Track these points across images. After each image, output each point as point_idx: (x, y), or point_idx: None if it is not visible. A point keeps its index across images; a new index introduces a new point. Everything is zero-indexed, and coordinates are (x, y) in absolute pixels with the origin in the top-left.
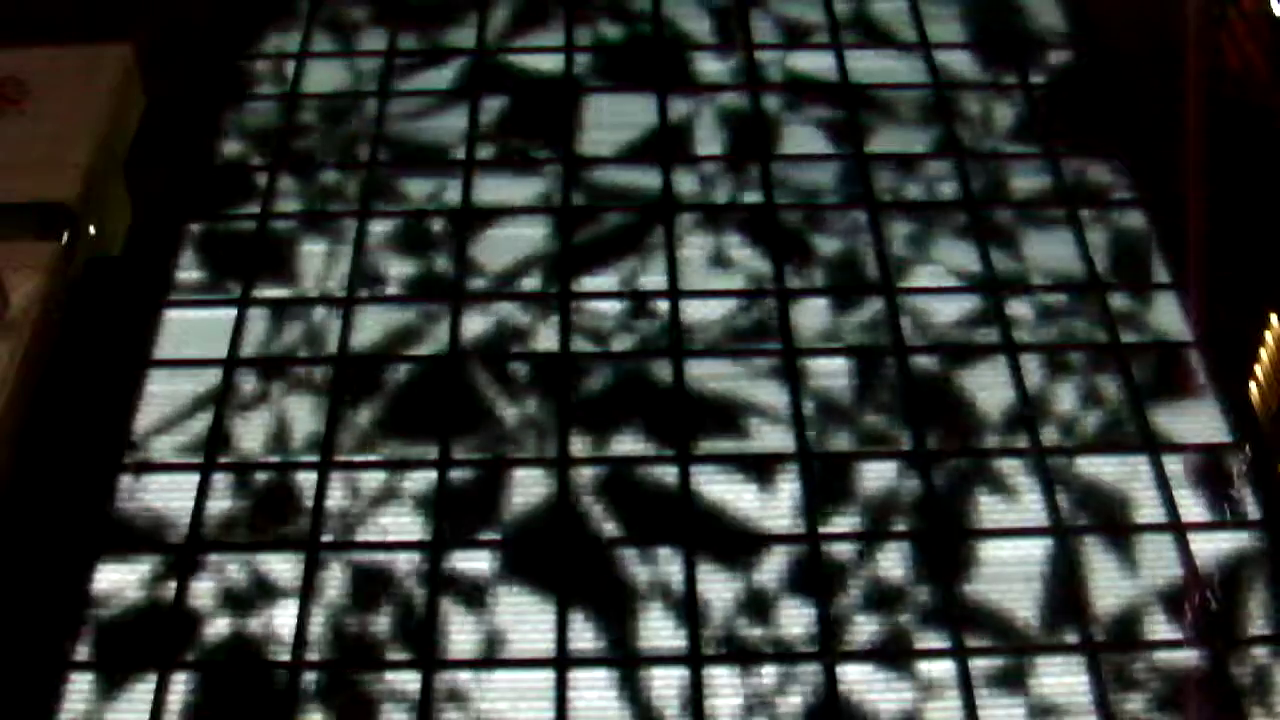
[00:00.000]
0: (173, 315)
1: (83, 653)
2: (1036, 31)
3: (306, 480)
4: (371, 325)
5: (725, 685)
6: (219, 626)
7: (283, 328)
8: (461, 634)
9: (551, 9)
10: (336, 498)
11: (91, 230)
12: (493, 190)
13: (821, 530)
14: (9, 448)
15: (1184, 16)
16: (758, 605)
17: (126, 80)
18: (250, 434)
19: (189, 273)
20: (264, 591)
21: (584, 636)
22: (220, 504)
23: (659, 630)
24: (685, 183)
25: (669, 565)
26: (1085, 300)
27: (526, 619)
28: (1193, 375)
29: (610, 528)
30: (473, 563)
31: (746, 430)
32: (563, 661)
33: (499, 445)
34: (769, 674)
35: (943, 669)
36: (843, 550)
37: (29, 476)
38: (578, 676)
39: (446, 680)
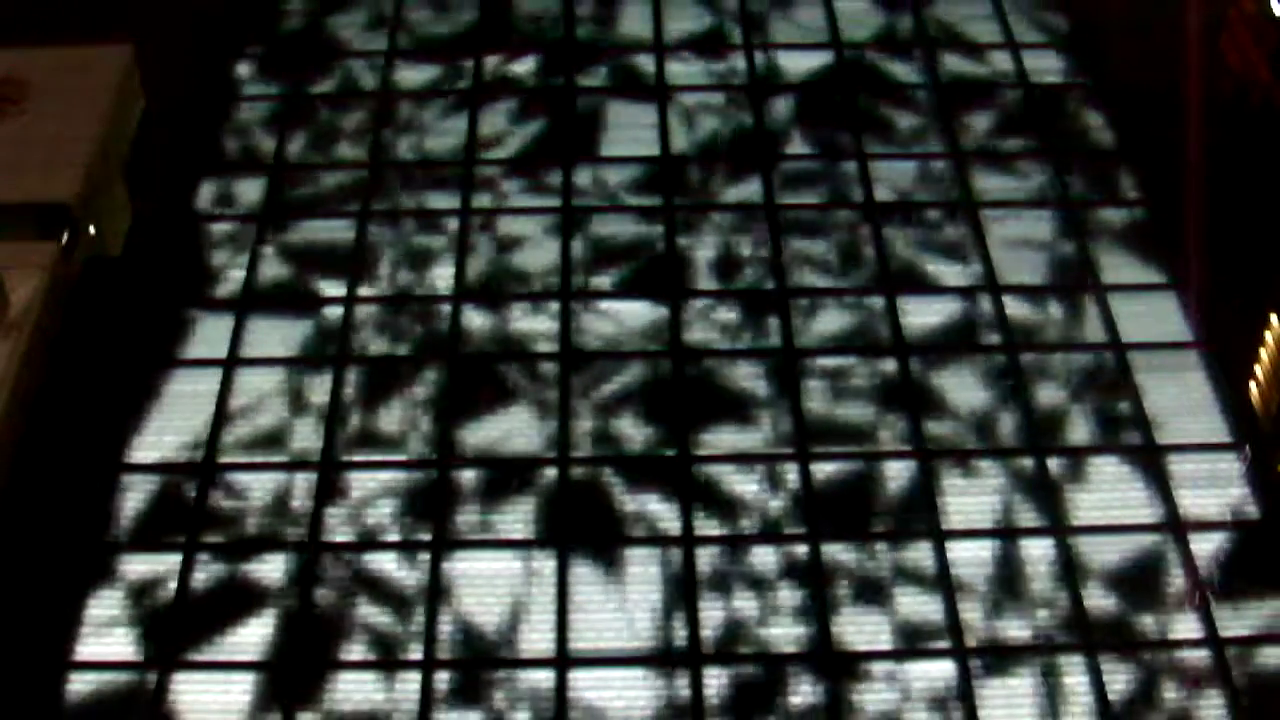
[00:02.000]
0: (175, 316)
1: (84, 652)
2: (1037, 34)
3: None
4: (376, 327)
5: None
6: (219, 623)
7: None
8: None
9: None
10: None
11: (91, 230)
12: (499, 195)
13: (820, 527)
14: (10, 446)
15: (1185, 18)
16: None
17: (126, 80)
18: (245, 434)
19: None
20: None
21: (585, 637)
22: (219, 503)
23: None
24: (686, 184)
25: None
26: (1082, 300)
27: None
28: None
29: (612, 518)
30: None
31: (746, 427)
32: (564, 661)
33: (503, 442)
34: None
35: (942, 668)
36: (842, 547)
37: (29, 475)
38: (578, 676)
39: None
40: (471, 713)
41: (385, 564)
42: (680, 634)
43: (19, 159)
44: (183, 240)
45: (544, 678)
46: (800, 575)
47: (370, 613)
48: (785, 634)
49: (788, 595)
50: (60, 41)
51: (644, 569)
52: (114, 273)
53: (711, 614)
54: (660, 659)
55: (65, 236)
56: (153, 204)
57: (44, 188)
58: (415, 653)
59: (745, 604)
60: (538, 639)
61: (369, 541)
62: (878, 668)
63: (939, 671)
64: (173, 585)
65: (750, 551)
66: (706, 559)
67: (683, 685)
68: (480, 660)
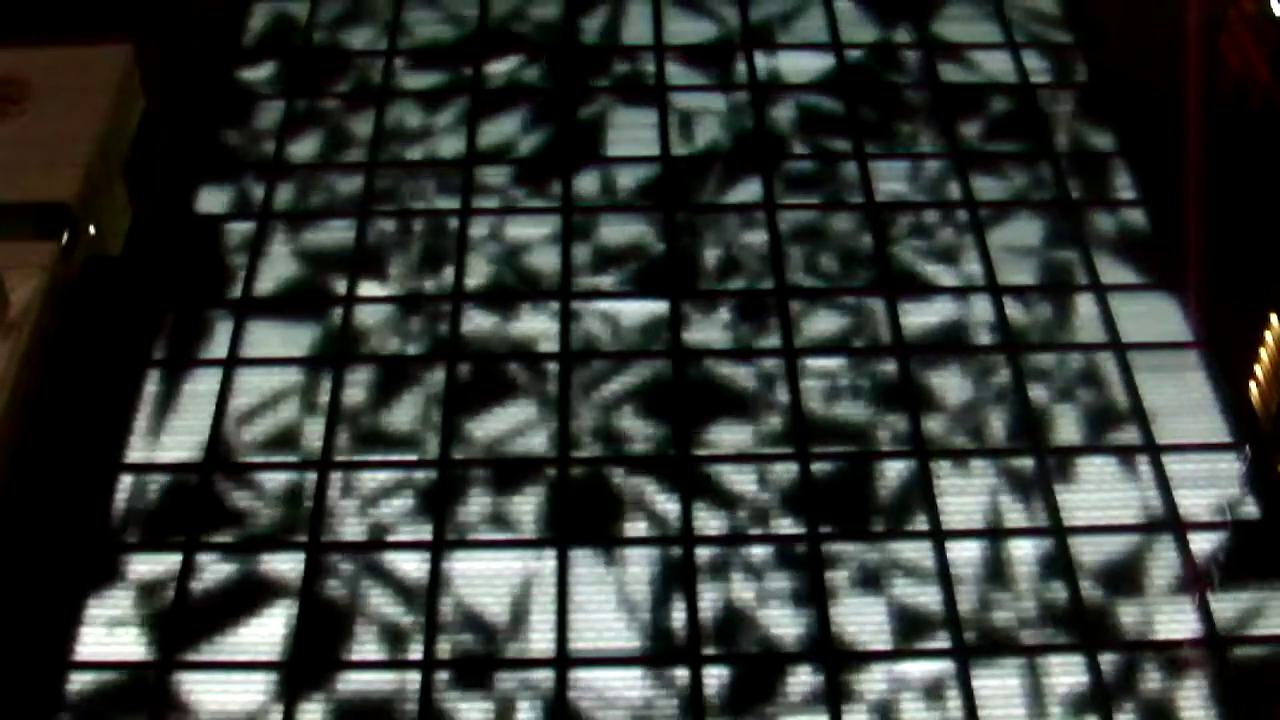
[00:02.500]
0: (176, 316)
1: (85, 651)
2: (1038, 33)
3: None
4: (378, 327)
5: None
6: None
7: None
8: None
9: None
10: (339, 495)
11: (91, 230)
12: (498, 194)
13: (821, 527)
14: (9, 446)
15: (1185, 18)
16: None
17: (126, 80)
18: (253, 434)
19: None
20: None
21: (585, 636)
22: (223, 502)
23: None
24: (686, 185)
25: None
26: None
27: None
28: None
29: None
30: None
31: (745, 426)
32: (564, 660)
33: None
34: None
35: (942, 667)
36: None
37: (28, 475)
38: (579, 676)
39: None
40: (477, 704)
41: (387, 561)
42: (680, 632)
43: (19, 159)
44: (183, 240)
45: (544, 677)
46: (799, 572)
47: (373, 608)
48: (785, 631)
49: (787, 593)
50: (60, 41)
51: (644, 568)
52: (114, 273)
53: (711, 611)
54: (660, 658)
55: (65, 236)
56: (153, 204)
57: (44, 188)
58: (415, 650)
59: (745, 601)
60: (538, 638)
61: (372, 541)
62: (875, 663)
63: (938, 666)
64: (173, 585)
65: (750, 549)
66: (707, 556)
67: (683, 683)
68: (480, 661)
